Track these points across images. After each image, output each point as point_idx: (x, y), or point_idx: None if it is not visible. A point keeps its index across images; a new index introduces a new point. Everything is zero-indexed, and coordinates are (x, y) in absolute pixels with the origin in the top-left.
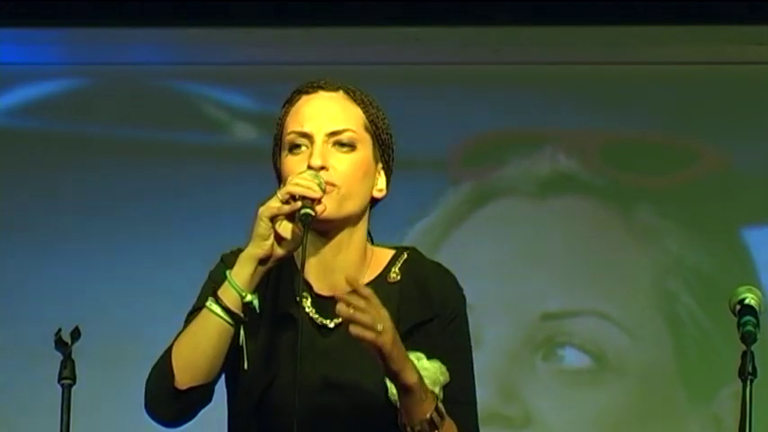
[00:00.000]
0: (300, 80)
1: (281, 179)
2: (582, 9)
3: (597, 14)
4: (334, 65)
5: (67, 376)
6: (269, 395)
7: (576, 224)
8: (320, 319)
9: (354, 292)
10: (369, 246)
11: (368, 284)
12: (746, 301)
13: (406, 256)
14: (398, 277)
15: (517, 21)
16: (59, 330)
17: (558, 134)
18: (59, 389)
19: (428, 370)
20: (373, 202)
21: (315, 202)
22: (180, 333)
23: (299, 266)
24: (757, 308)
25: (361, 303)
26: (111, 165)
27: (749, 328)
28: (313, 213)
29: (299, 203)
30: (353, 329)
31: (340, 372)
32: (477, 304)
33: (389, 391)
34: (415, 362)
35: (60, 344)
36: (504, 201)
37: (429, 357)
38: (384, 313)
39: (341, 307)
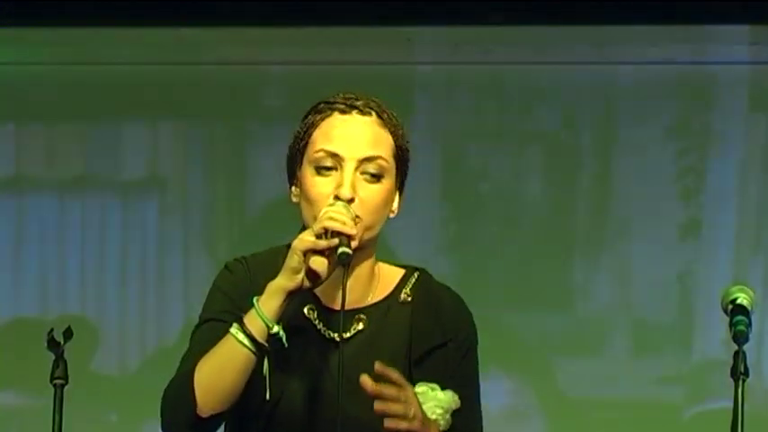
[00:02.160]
0: (291, 81)
1: (292, 181)
2: (572, 9)
3: (586, 15)
4: (324, 65)
5: (60, 376)
6: (277, 407)
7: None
8: (328, 332)
9: (384, 379)
10: (377, 262)
11: (378, 303)
12: (738, 301)
13: (416, 276)
14: (410, 298)
15: (509, 21)
16: (51, 330)
17: (546, 134)
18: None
19: (442, 401)
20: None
21: (350, 238)
22: (196, 355)
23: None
24: (749, 307)
25: (394, 393)
26: (110, 164)
27: (741, 327)
28: (350, 252)
29: (336, 240)
30: (389, 423)
31: (349, 384)
32: None
33: None
34: (429, 392)
35: (52, 344)
36: (496, 201)
37: (443, 387)
38: (410, 394)
39: (377, 405)
